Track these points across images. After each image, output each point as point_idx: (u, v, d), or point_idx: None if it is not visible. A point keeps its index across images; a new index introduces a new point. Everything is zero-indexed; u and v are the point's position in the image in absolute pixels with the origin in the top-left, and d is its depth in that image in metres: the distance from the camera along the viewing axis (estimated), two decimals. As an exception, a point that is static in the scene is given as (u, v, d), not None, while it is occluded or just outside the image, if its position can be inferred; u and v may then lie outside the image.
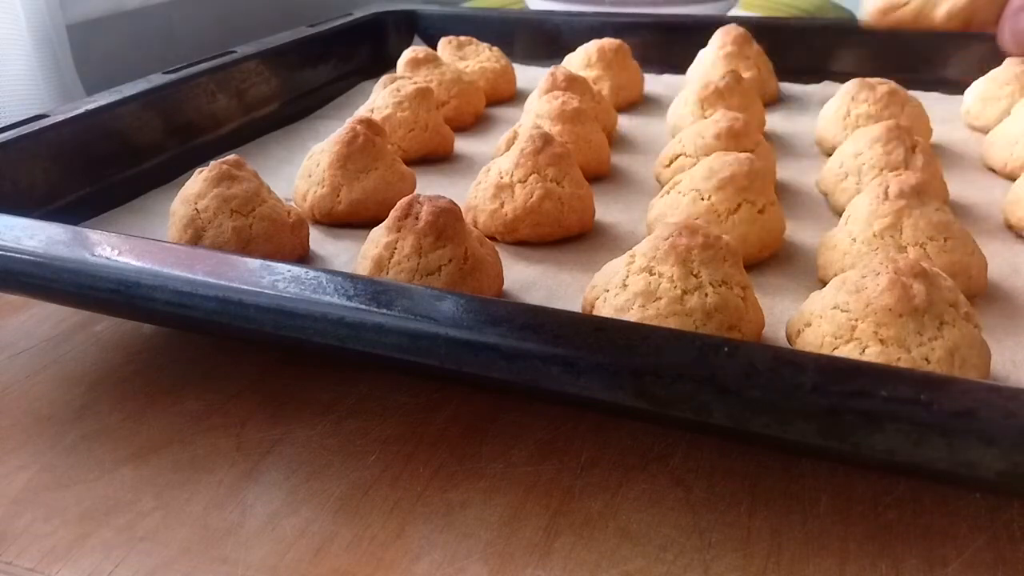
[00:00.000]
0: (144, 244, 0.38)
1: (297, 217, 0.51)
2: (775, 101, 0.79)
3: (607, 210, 0.57)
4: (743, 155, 0.50)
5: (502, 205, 0.52)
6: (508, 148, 0.57)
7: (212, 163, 0.50)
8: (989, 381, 0.37)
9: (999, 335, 0.42)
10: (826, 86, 0.82)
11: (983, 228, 0.54)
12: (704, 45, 0.81)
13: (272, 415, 0.40)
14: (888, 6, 0.52)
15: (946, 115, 0.74)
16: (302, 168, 0.58)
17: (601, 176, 0.62)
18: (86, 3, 0.86)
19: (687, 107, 0.67)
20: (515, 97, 0.83)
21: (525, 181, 0.52)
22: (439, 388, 0.41)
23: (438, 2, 1.21)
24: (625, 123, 0.74)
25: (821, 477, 0.36)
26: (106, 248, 0.37)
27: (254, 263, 0.36)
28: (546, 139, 0.53)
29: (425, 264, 0.43)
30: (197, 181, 0.49)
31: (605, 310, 0.40)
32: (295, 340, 0.34)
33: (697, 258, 0.40)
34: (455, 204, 0.45)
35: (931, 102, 0.77)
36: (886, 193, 0.46)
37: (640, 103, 0.80)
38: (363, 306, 0.32)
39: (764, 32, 0.81)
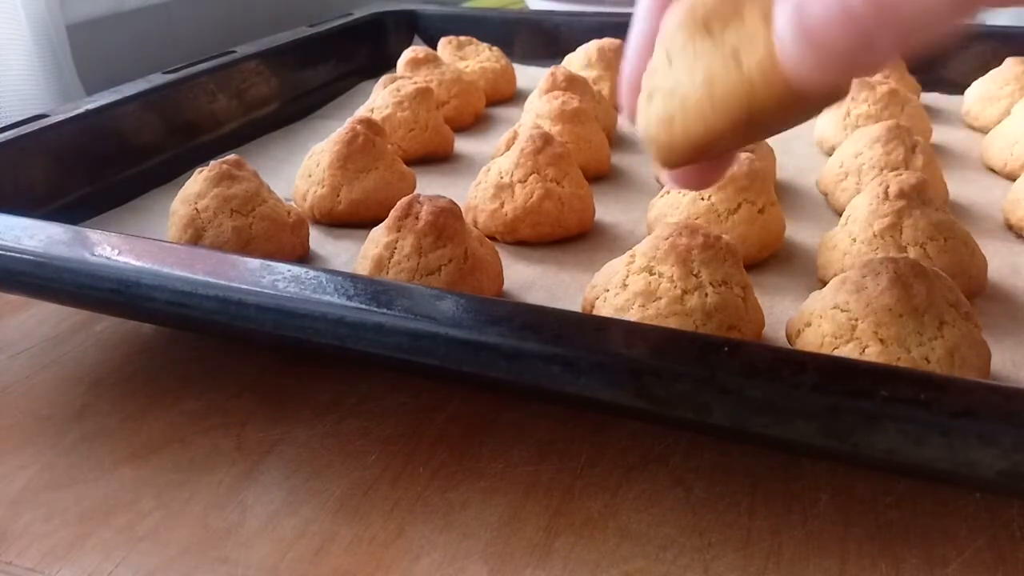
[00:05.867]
0: (144, 244, 0.38)
1: (297, 217, 0.51)
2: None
3: (607, 210, 0.57)
4: (743, 155, 0.50)
5: (502, 205, 0.52)
6: (508, 148, 0.57)
7: (212, 163, 0.50)
8: (989, 381, 0.37)
9: (999, 335, 0.42)
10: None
11: (983, 228, 0.54)
12: (704, 45, 0.81)
13: (272, 415, 0.40)
14: None
15: (946, 115, 0.74)
16: (302, 168, 0.58)
17: (601, 176, 0.62)
18: (86, 3, 0.86)
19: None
20: (515, 97, 0.83)
21: (525, 181, 0.52)
22: (439, 388, 0.41)
23: (438, 2, 1.21)
24: (625, 123, 0.74)
25: (821, 477, 0.36)
26: (106, 248, 0.37)
27: (254, 263, 0.36)
28: (546, 139, 0.53)
29: (425, 264, 0.43)
30: (197, 181, 0.49)
31: (605, 310, 0.40)
32: (295, 340, 0.34)
33: (697, 258, 0.40)
34: (455, 204, 0.45)
35: (931, 102, 0.77)
36: (886, 193, 0.46)
37: (640, 103, 0.80)
38: (363, 306, 0.32)
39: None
